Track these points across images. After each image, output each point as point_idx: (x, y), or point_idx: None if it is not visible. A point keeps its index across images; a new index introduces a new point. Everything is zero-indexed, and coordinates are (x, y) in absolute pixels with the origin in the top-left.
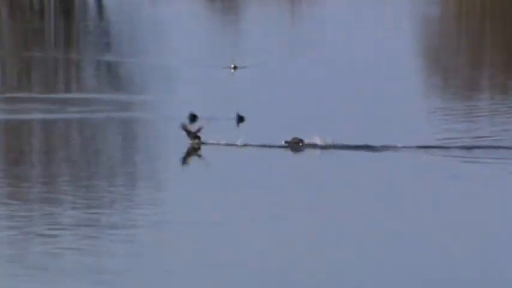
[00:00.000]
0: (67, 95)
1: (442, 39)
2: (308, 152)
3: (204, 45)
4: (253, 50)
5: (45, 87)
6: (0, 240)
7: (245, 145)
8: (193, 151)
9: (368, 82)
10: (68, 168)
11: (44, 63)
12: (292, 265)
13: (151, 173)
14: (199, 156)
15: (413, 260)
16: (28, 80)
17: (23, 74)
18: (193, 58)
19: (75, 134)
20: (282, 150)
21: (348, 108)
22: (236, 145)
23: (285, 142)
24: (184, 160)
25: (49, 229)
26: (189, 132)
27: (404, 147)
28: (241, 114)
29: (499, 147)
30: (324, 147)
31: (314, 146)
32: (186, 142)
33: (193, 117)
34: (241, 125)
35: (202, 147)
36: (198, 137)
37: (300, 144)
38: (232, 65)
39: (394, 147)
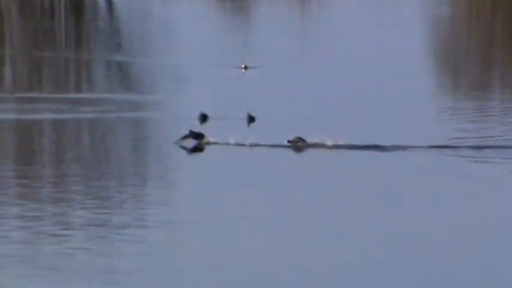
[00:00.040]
0: (78, 95)
1: (453, 39)
2: (310, 152)
3: (215, 45)
4: (264, 50)
5: (55, 87)
6: (11, 240)
7: (254, 145)
8: (199, 151)
9: (378, 82)
10: (78, 168)
11: (54, 63)
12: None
13: (162, 173)
14: (206, 156)
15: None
16: (39, 79)
17: (34, 73)
18: (204, 58)
19: (86, 134)
20: (286, 149)
21: (359, 108)
22: (245, 145)
23: (288, 142)
24: (191, 156)
25: (59, 229)
26: (195, 136)
27: (414, 147)
28: (252, 114)
29: (509, 147)
30: (334, 148)
31: (324, 146)
32: (192, 142)
33: (204, 117)
34: (252, 125)
35: (212, 147)
36: (203, 136)
37: (301, 144)
38: (243, 65)
39: (404, 147)
